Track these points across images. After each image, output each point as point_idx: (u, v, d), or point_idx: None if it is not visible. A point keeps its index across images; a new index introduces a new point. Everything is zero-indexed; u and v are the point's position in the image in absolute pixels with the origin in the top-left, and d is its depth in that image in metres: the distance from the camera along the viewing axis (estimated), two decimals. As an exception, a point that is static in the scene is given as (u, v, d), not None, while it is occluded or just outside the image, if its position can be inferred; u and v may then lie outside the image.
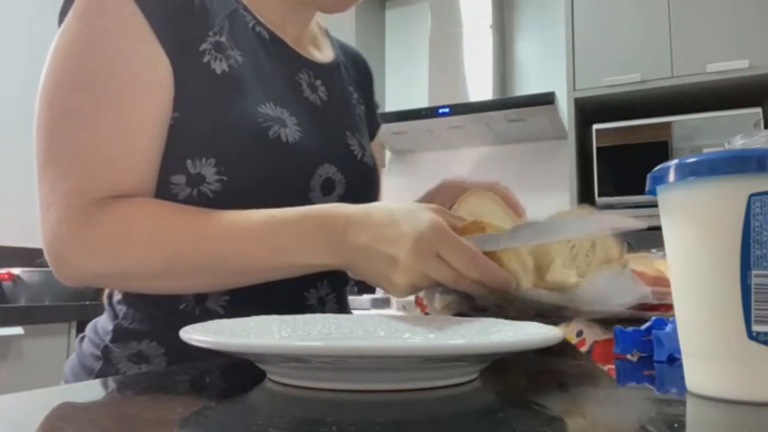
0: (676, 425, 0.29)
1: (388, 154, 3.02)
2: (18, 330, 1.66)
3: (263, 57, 0.68)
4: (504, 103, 2.45)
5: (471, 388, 0.36)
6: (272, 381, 0.37)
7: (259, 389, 0.36)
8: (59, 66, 0.59)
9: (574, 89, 2.33)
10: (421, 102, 2.78)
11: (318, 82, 0.74)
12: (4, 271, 1.98)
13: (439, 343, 0.33)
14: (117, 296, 0.67)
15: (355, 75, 0.86)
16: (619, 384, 0.42)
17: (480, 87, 2.65)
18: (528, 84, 2.82)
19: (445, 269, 0.53)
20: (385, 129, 2.72)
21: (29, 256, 2.18)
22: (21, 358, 1.69)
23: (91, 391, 0.39)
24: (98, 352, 0.65)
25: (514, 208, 0.69)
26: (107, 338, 0.65)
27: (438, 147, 2.91)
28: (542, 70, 2.80)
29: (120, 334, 0.64)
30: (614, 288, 0.56)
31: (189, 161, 0.60)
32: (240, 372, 0.43)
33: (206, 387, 0.39)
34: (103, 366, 0.64)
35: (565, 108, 2.39)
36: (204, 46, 0.62)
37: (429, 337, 0.47)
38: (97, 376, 0.64)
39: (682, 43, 2.18)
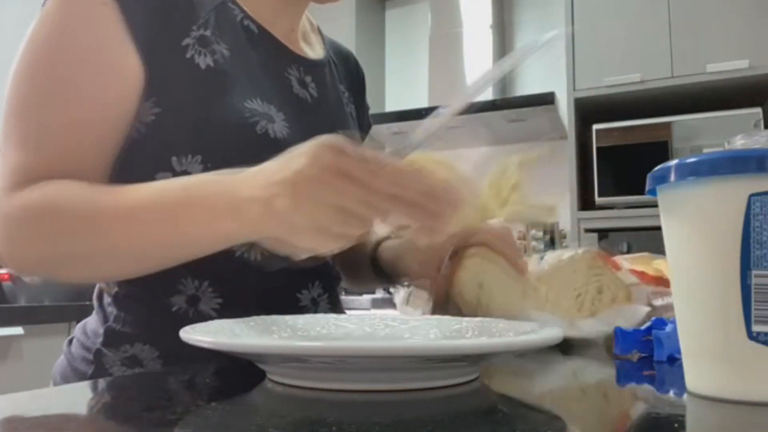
0: (676, 425, 0.29)
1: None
2: (18, 330, 1.66)
3: (251, 51, 0.67)
4: (504, 103, 2.45)
5: (471, 388, 0.36)
6: (272, 381, 0.37)
7: (259, 389, 0.36)
8: (28, 50, 0.58)
9: (574, 89, 2.33)
10: (421, 102, 2.78)
11: (308, 79, 0.73)
12: (4, 271, 1.98)
13: (439, 343, 0.33)
14: (107, 298, 0.66)
15: (345, 74, 0.85)
16: (619, 384, 0.42)
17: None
18: (528, 84, 2.82)
19: (350, 186, 0.44)
20: (385, 129, 2.73)
21: (29, 256, 2.18)
22: (21, 358, 1.69)
23: (92, 391, 0.39)
24: (90, 356, 0.64)
25: (515, 264, 0.63)
26: (98, 341, 0.64)
27: (438, 147, 2.91)
28: (542, 70, 2.80)
29: (112, 338, 0.63)
30: (623, 317, 0.56)
31: (174, 158, 0.60)
32: (240, 372, 0.43)
33: (206, 387, 0.39)
34: (96, 370, 0.63)
35: (565, 108, 2.39)
36: (187, 41, 0.61)
37: (429, 337, 0.47)
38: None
39: (682, 43, 2.18)
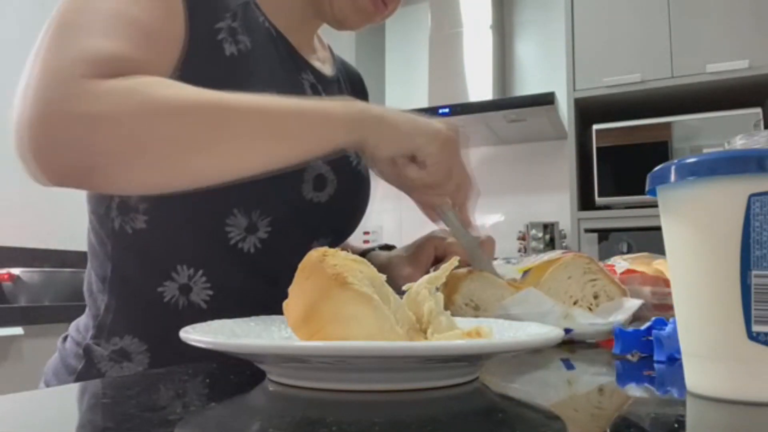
0: (676, 425, 0.29)
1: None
2: (18, 330, 1.66)
3: (271, 49, 0.69)
4: (504, 103, 2.45)
5: (471, 388, 0.36)
6: (272, 381, 0.37)
7: (259, 389, 0.36)
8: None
9: (574, 89, 2.33)
10: (421, 102, 2.78)
11: (320, 87, 0.75)
12: (4, 271, 1.97)
13: (438, 344, 0.33)
14: (98, 285, 0.67)
15: (352, 93, 0.86)
16: (619, 384, 0.42)
17: (480, 87, 2.65)
18: (528, 84, 2.83)
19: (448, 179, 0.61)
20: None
21: (29, 256, 2.18)
22: (21, 358, 1.69)
23: (91, 391, 0.39)
24: (80, 351, 0.65)
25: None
26: (89, 335, 0.65)
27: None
28: (542, 70, 2.80)
29: (102, 330, 0.64)
30: (610, 311, 0.58)
31: None
32: (240, 372, 0.43)
33: (206, 387, 0.39)
34: (85, 365, 0.64)
35: (565, 108, 2.39)
36: (220, 24, 0.63)
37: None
38: (78, 377, 0.64)
39: (682, 44, 2.18)
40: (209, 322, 0.43)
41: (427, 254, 0.74)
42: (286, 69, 0.70)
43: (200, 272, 0.63)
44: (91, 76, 0.50)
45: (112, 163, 0.50)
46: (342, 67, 0.87)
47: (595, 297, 0.59)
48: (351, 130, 0.57)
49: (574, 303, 0.59)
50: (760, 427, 0.29)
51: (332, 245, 0.75)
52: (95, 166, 0.50)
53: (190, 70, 0.60)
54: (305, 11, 0.74)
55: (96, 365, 0.63)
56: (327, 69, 0.80)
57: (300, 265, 0.39)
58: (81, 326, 0.68)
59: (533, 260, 0.63)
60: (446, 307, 0.63)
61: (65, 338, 0.71)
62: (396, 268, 0.75)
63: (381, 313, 0.35)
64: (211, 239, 0.64)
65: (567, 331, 0.55)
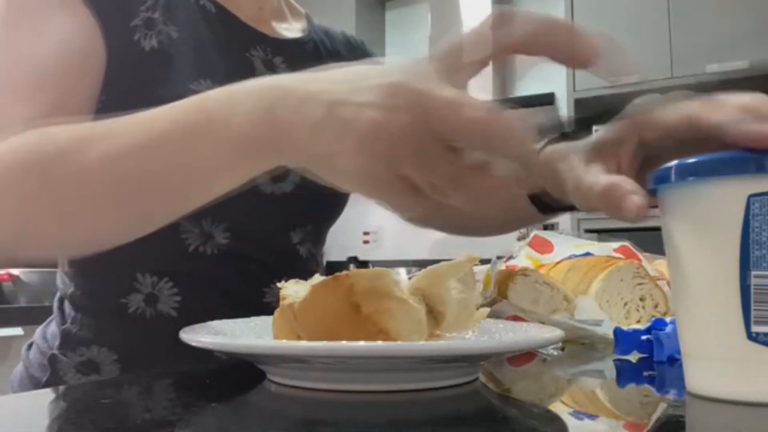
0: (676, 425, 0.29)
1: (388, 154, 3.02)
2: (18, 330, 1.66)
3: (205, 31, 0.63)
4: (504, 103, 2.45)
5: (471, 389, 0.36)
6: (272, 381, 0.37)
7: (259, 389, 0.36)
8: None
9: (574, 89, 2.33)
10: (421, 102, 2.77)
11: (278, 60, 0.68)
12: (3, 271, 1.97)
13: (438, 344, 0.33)
14: (66, 294, 0.64)
15: (345, 51, 0.79)
16: (619, 384, 0.42)
17: (480, 87, 2.65)
18: (528, 84, 2.82)
19: (444, 163, 0.35)
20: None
21: (29, 257, 2.18)
22: (21, 359, 1.69)
23: (91, 391, 0.39)
24: (45, 361, 0.62)
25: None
26: (55, 344, 0.62)
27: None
28: (542, 70, 2.80)
29: (68, 340, 0.61)
30: None
31: None
32: (240, 372, 0.43)
33: (206, 387, 0.39)
34: (50, 377, 0.61)
35: (565, 108, 2.39)
36: (135, 21, 0.58)
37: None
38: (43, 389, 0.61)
39: (682, 44, 2.19)
40: (208, 323, 0.43)
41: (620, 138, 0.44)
42: (228, 50, 0.64)
43: (165, 279, 0.60)
44: None
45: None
46: (324, 34, 0.77)
47: (642, 300, 0.61)
48: (262, 148, 0.38)
49: (625, 305, 0.60)
50: (760, 428, 0.29)
51: (314, 234, 0.71)
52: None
53: (112, 82, 0.57)
54: None
55: (62, 377, 0.60)
56: (294, 32, 0.73)
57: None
58: (48, 334, 0.65)
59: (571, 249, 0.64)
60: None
61: (30, 346, 0.68)
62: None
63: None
64: (168, 247, 0.60)
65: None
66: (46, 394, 0.40)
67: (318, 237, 0.73)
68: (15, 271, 1.98)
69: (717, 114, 0.36)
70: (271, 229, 0.66)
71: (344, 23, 2.75)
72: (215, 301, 0.61)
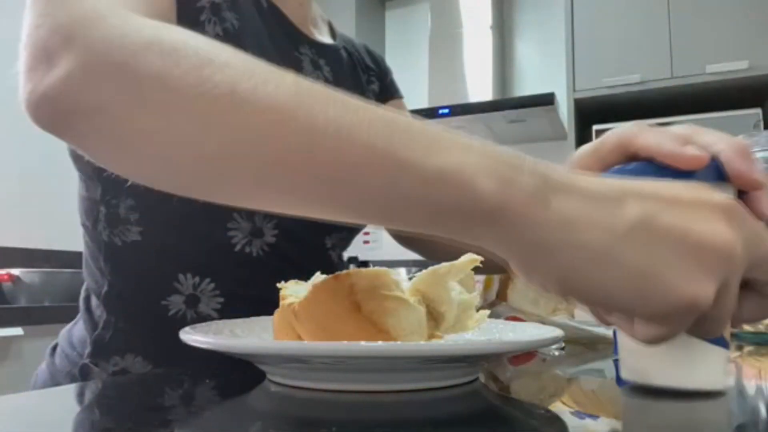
0: (676, 425, 0.29)
1: (388, 154, 3.02)
2: (18, 331, 1.66)
3: (261, 25, 0.62)
4: (504, 103, 2.45)
5: (471, 389, 0.36)
6: (272, 381, 0.37)
7: (259, 389, 0.36)
8: None
9: (574, 90, 2.33)
10: (421, 102, 2.78)
11: (322, 62, 0.69)
12: (3, 271, 1.97)
13: (438, 344, 0.33)
14: (95, 300, 0.61)
15: (370, 62, 0.80)
16: (619, 384, 0.42)
17: (480, 87, 2.65)
18: (528, 85, 2.82)
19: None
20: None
21: (29, 257, 2.18)
22: (21, 359, 1.69)
23: (91, 391, 0.39)
24: (75, 371, 0.59)
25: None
26: (86, 353, 0.58)
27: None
28: (542, 70, 2.80)
29: (100, 348, 0.58)
30: None
31: None
32: (240, 372, 0.43)
33: (206, 387, 0.39)
34: None
35: (564, 109, 2.39)
36: (202, 2, 0.57)
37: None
38: None
39: (681, 44, 2.18)
40: (209, 323, 0.43)
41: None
42: (279, 45, 0.64)
43: (207, 280, 0.59)
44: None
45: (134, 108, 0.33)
46: (347, 42, 0.79)
47: None
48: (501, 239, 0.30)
49: None
50: (760, 429, 0.29)
51: (346, 240, 0.72)
52: (107, 108, 0.33)
53: None
54: None
55: None
56: (327, 38, 0.74)
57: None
58: (75, 339, 0.62)
59: None
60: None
61: (54, 348, 0.65)
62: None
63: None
64: (213, 245, 0.59)
65: None
66: (46, 394, 0.40)
67: (347, 244, 0.74)
68: (15, 271, 1.98)
69: (651, 136, 0.36)
70: (313, 231, 0.65)
71: (344, 23, 2.76)
72: (254, 304, 0.59)
